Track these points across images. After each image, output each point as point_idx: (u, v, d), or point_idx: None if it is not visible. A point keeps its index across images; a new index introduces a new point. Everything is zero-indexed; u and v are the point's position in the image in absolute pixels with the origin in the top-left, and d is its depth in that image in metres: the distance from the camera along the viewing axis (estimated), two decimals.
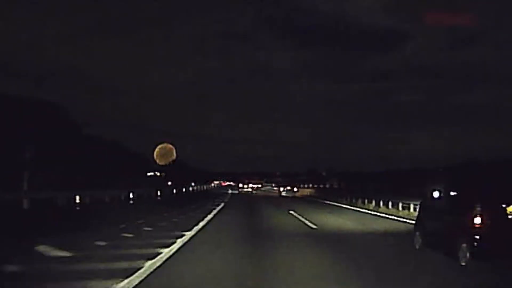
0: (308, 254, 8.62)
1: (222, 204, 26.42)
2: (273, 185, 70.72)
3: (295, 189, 51.64)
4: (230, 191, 58.74)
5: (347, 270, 7.11)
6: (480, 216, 7.21)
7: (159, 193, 33.53)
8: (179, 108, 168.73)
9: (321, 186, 60.19)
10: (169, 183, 44.53)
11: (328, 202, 31.78)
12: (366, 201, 25.47)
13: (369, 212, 21.16)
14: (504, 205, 7.30)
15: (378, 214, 19.72)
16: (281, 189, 51.55)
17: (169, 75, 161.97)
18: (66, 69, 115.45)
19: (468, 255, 7.25)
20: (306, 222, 15.23)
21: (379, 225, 14.52)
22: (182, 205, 22.31)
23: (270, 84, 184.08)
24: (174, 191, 39.16)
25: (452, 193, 8.31)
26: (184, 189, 44.71)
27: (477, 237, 7.20)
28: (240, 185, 72.93)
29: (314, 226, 13.84)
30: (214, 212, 19.52)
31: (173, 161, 44.10)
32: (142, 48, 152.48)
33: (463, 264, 7.29)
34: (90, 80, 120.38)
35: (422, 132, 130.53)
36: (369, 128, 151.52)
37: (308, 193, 52.17)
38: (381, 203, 22.58)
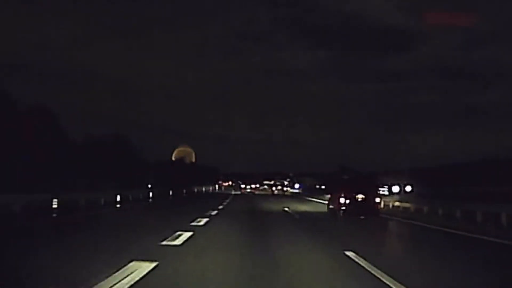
0: (279, 216, 19.26)
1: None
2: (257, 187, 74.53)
3: (285, 189, 62.69)
4: (233, 192, 66.06)
5: (295, 221, 17.65)
6: (343, 198, 17.94)
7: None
8: (196, 108, 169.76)
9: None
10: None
11: (306, 197, 42.59)
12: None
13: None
14: (354, 194, 18.05)
15: None
16: (273, 188, 62.50)
17: (185, 76, 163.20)
18: (80, 69, 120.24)
19: (340, 215, 17.99)
20: (284, 207, 25.96)
21: (325, 209, 25.22)
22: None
23: (287, 84, 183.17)
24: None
25: (336, 187, 19.19)
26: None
27: (343, 207, 17.92)
28: (242, 186, 75.39)
29: (287, 209, 24.52)
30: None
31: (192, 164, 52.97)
32: (159, 49, 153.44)
33: (339, 218, 18.02)
34: (107, 82, 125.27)
35: (437, 132, 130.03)
36: (384, 128, 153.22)
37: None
38: None
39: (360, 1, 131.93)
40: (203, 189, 64.38)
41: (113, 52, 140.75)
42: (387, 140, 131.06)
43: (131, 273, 5.70)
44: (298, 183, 73.05)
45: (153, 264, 6.27)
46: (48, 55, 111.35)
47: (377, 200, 18.48)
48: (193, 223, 13.41)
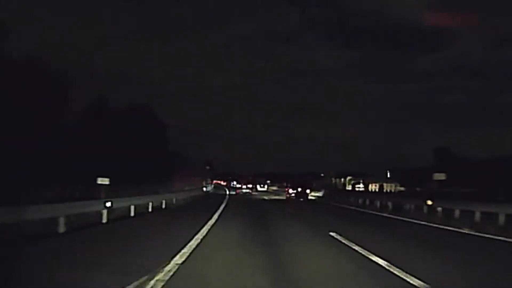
0: (262, 202, 39.99)
1: None
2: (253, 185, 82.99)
3: (266, 186, 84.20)
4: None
5: (274, 204, 38.16)
6: (291, 189, 39.07)
7: None
8: (224, 109, 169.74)
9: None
10: None
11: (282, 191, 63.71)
12: None
13: None
14: (296, 187, 39.16)
15: None
16: (258, 186, 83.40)
17: (214, 76, 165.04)
18: (106, 70, 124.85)
19: (290, 198, 39.08)
20: (265, 197, 46.91)
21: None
22: None
23: (315, 84, 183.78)
24: None
25: (289, 184, 40.49)
26: None
27: (292, 194, 39.01)
28: (239, 185, 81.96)
29: (267, 198, 45.34)
30: None
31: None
32: (187, 50, 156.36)
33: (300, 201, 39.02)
34: (134, 82, 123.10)
35: (466, 132, 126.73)
36: (413, 128, 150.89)
37: (276, 188, 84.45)
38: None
39: (390, 1, 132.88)
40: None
41: (139, 53, 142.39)
42: (416, 140, 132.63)
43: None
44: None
45: (223, 206, 26.85)
46: (75, 55, 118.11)
47: (308, 191, 39.30)
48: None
